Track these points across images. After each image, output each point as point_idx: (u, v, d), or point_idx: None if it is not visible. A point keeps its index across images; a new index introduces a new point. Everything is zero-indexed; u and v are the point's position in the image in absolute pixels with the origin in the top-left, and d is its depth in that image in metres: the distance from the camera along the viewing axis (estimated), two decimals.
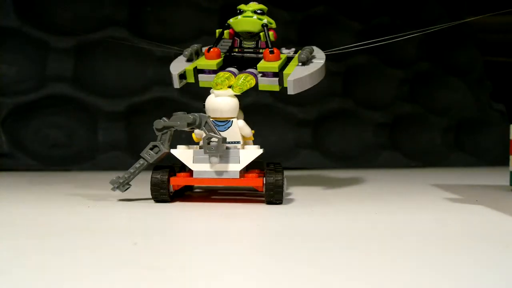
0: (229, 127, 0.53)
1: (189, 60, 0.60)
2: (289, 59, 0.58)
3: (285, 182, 0.52)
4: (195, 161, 0.52)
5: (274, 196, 0.51)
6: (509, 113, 1.53)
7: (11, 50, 1.11)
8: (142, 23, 1.23)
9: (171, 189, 0.54)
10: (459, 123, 1.48)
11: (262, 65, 0.55)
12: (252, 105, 1.23)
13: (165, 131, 0.52)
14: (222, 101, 0.53)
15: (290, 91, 0.54)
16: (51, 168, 1.05)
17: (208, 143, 0.49)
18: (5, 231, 0.36)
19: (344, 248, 0.31)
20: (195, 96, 1.20)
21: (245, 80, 0.53)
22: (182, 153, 0.53)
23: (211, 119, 0.52)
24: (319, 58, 0.58)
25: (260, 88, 0.56)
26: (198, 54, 0.61)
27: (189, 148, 0.53)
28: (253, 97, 1.23)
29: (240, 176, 0.52)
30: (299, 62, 0.56)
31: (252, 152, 0.52)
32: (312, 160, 1.25)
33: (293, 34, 1.34)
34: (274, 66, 0.55)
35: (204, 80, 0.58)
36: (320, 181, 0.86)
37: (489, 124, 1.51)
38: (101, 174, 0.95)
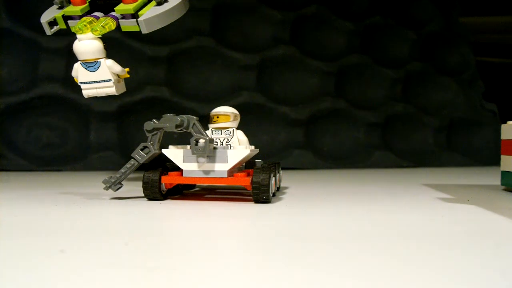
0: (98, 67, 0.58)
1: (61, 7, 0.62)
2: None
3: (272, 181, 0.54)
4: (184, 160, 0.54)
5: (260, 195, 0.51)
6: (501, 113, 1.54)
7: (2, 50, 1.10)
8: None
9: (163, 188, 0.55)
10: (451, 123, 1.49)
11: (119, 7, 0.58)
12: (244, 105, 1.23)
13: (154, 132, 0.54)
14: (85, 44, 0.57)
15: (143, 31, 0.57)
16: (43, 168, 1.05)
17: (196, 144, 0.51)
18: None
19: (334, 247, 0.31)
20: (186, 96, 1.20)
21: (104, 23, 0.57)
22: (173, 152, 0.54)
23: (196, 121, 0.53)
24: None
25: (123, 29, 0.59)
26: (69, 1, 0.63)
27: (179, 148, 0.55)
28: (245, 97, 1.24)
29: (229, 175, 0.53)
30: (156, 2, 0.59)
31: (240, 152, 0.53)
32: (305, 160, 1.25)
33: (286, 34, 1.34)
34: (129, 8, 0.58)
35: (73, 25, 0.61)
36: (312, 181, 0.86)
37: (481, 124, 1.52)
38: (93, 174, 0.95)
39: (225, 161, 0.52)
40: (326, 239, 0.34)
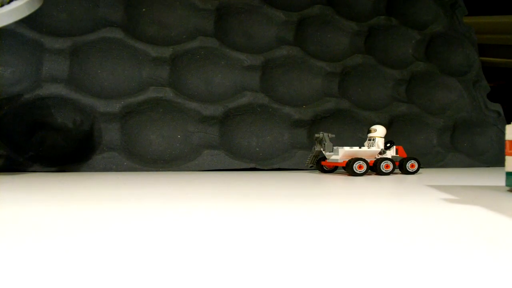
0: None
1: None
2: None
3: (357, 165, 0.99)
4: (326, 154, 1.04)
5: (349, 170, 0.99)
6: (506, 114, 1.53)
7: (6, 51, 1.10)
8: (138, 24, 1.23)
9: (325, 168, 1.09)
10: (456, 123, 1.49)
11: None
12: (248, 105, 1.23)
13: (316, 139, 1.06)
14: None
15: None
16: (47, 169, 1.05)
17: (325, 145, 1.04)
18: (2, 232, 0.36)
19: (338, 247, 0.31)
20: (189, 96, 1.20)
21: None
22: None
23: (327, 134, 1.05)
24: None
25: None
26: None
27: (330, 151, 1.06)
28: (248, 98, 1.23)
29: (340, 161, 1.02)
30: None
31: (344, 150, 1.02)
32: None
33: (289, 34, 1.34)
34: None
35: None
36: (316, 181, 0.86)
37: (485, 125, 1.51)
38: (97, 175, 0.95)
39: (338, 154, 1.02)
40: (330, 239, 0.34)
